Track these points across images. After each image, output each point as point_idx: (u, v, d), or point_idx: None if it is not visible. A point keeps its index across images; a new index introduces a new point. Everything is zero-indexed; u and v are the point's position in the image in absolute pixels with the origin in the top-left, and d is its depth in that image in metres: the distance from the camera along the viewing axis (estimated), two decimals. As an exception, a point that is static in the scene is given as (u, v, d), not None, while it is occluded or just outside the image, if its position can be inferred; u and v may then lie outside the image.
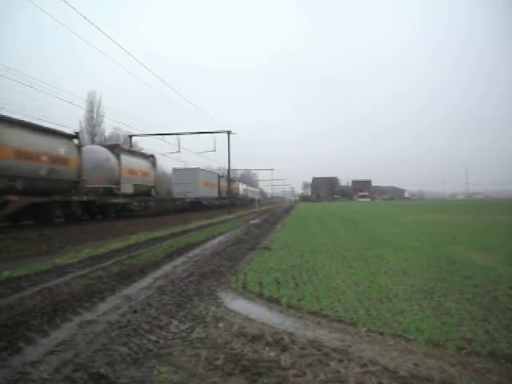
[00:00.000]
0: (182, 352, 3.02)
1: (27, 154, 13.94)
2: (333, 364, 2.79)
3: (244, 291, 4.92)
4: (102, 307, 4.25)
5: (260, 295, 4.68)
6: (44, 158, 14.80)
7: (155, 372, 2.69)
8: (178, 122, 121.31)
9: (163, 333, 3.44)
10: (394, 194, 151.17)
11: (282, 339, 3.26)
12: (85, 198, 17.65)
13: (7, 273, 6.08)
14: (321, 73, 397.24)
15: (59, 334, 3.43)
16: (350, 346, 3.11)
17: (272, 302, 4.41)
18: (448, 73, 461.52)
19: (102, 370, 2.69)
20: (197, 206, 34.74)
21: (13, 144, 13.39)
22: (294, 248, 8.57)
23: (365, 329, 3.47)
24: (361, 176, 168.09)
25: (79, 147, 17.67)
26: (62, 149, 16.06)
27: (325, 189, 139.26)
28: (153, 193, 26.40)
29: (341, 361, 2.84)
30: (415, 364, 2.77)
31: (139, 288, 5.13)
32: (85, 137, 49.79)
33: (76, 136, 17.71)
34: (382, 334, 3.35)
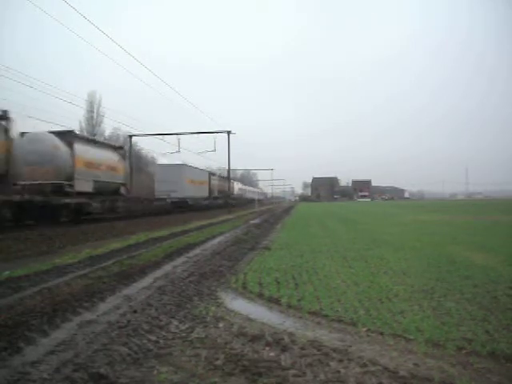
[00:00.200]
0: (182, 352, 3.02)
1: None
2: (333, 364, 2.79)
3: (244, 291, 4.92)
4: (102, 307, 4.25)
5: (260, 295, 4.68)
6: None
7: (155, 372, 2.69)
8: (178, 122, 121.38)
9: (163, 333, 3.44)
10: (394, 193, 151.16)
11: (282, 339, 3.26)
12: (17, 198, 13.82)
13: (7, 273, 6.08)
14: (321, 73, 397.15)
15: (59, 334, 3.43)
16: (350, 346, 3.11)
17: (272, 302, 4.41)
18: (448, 73, 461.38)
19: (101, 370, 2.69)
20: (182, 208, 31.27)
21: None
22: (294, 248, 8.57)
23: (365, 329, 3.47)
24: (361, 176, 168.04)
25: (6, 130, 13.61)
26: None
27: (325, 189, 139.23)
28: (123, 191, 22.05)
29: (341, 361, 2.84)
30: (415, 364, 2.77)
31: (139, 288, 5.13)
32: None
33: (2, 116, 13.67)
34: (382, 334, 3.35)
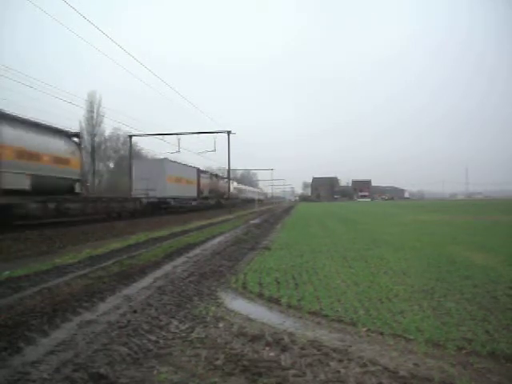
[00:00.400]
0: (182, 352, 3.02)
1: None
2: (333, 364, 2.79)
3: (244, 291, 4.92)
4: (102, 307, 4.25)
5: (260, 295, 4.68)
6: None
7: (155, 372, 2.69)
8: (178, 122, 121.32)
9: (163, 333, 3.44)
10: (394, 193, 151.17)
11: (282, 339, 3.26)
12: None
13: (7, 273, 6.08)
14: (321, 73, 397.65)
15: (59, 334, 3.43)
16: (350, 346, 3.11)
17: (272, 302, 4.41)
18: (448, 73, 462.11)
19: (101, 370, 2.69)
20: (162, 209, 27.31)
21: None
22: (294, 248, 8.58)
23: (365, 329, 3.47)
24: (361, 176, 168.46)
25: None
26: None
27: (325, 189, 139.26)
28: (78, 190, 17.78)
29: (341, 361, 2.84)
30: (415, 364, 2.77)
31: (139, 288, 5.13)
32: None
33: None
34: (382, 334, 3.35)
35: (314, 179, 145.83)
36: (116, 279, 5.63)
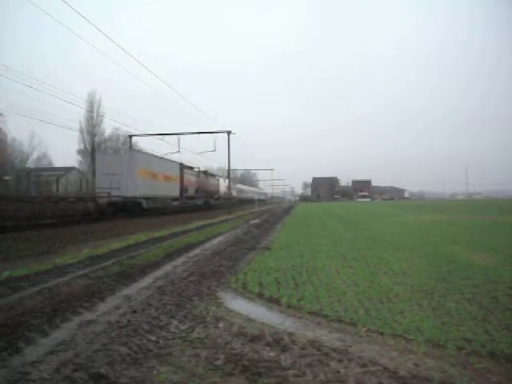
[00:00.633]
0: (182, 352, 3.02)
1: None
2: (333, 364, 2.79)
3: (244, 291, 4.92)
4: (102, 307, 4.25)
5: (260, 295, 4.68)
6: None
7: (155, 372, 2.69)
8: (178, 122, 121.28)
9: (163, 333, 3.44)
10: (394, 194, 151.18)
11: (282, 339, 3.26)
12: None
13: (7, 273, 6.08)
14: (321, 73, 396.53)
15: (59, 334, 3.43)
16: (350, 346, 3.11)
17: (272, 302, 4.42)
18: (448, 73, 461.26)
19: (102, 370, 2.69)
20: (129, 212, 22.70)
21: None
22: (294, 248, 8.58)
23: (365, 329, 3.47)
24: (361, 176, 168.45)
25: None
26: None
27: (325, 189, 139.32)
28: None
29: (341, 361, 2.84)
30: (415, 364, 2.77)
31: (139, 288, 5.13)
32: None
33: None
34: (382, 334, 3.35)
35: (314, 179, 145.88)
36: (116, 279, 5.63)
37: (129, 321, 3.75)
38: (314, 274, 5.70)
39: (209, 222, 19.03)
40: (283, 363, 2.81)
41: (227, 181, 47.68)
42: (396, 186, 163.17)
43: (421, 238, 10.33)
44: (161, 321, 3.76)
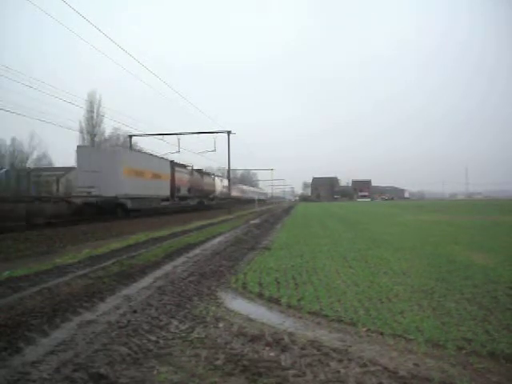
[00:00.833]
0: (182, 352, 3.02)
1: None
2: (333, 364, 2.79)
3: (244, 291, 4.92)
4: (102, 307, 4.25)
5: (260, 295, 4.68)
6: None
7: (155, 372, 2.69)
8: (178, 122, 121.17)
9: (163, 333, 3.44)
10: (394, 194, 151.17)
11: (282, 339, 3.26)
12: None
13: (7, 273, 6.08)
14: (321, 73, 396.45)
15: (59, 334, 3.43)
16: (350, 346, 3.11)
17: (272, 302, 4.42)
18: (448, 73, 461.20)
19: (102, 370, 2.69)
20: (112, 213, 20.77)
21: None
22: (294, 248, 8.58)
23: (365, 329, 3.47)
24: (361, 176, 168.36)
25: None
26: None
27: (325, 189, 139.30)
28: None
29: (341, 361, 2.84)
30: (415, 364, 2.77)
31: (139, 288, 5.13)
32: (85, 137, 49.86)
33: None
34: (382, 334, 3.35)
35: (314, 179, 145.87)
36: (116, 279, 5.63)
37: (129, 321, 3.75)
38: (314, 274, 5.70)
39: (209, 222, 19.04)
40: (283, 363, 2.81)
41: (224, 180, 46.28)
42: (396, 186, 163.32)
43: (421, 238, 10.33)
44: (161, 321, 3.76)
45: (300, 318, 3.86)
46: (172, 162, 29.54)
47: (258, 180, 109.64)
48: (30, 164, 52.80)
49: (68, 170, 53.01)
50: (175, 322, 3.72)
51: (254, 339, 3.27)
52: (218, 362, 2.83)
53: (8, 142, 53.01)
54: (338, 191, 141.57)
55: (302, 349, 3.06)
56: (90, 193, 20.15)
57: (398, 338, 3.25)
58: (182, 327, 3.59)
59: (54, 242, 10.44)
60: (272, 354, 2.98)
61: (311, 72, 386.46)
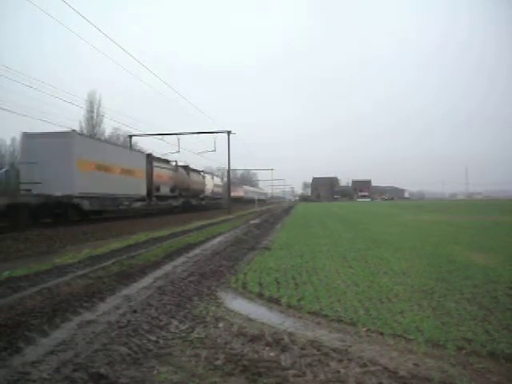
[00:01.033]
0: (182, 352, 3.02)
1: None
2: (333, 364, 2.79)
3: (244, 291, 4.92)
4: (102, 307, 4.25)
5: (260, 295, 4.68)
6: None
7: (155, 372, 2.69)
8: (178, 122, 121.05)
9: (163, 333, 3.44)
10: (394, 194, 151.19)
11: (282, 339, 3.26)
12: None
13: (7, 273, 6.08)
14: (321, 73, 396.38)
15: (59, 334, 3.43)
16: (350, 346, 3.11)
17: (272, 301, 4.41)
18: (448, 73, 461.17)
19: (101, 370, 2.69)
20: (61, 216, 16.76)
21: None
22: (294, 248, 8.58)
23: (365, 329, 3.47)
24: (361, 176, 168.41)
25: None
26: None
27: (325, 189, 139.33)
28: None
29: (341, 361, 2.84)
30: (415, 364, 2.77)
31: (139, 288, 5.13)
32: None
33: None
34: (382, 334, 3.35)
35: (314, 179, 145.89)
36: (116, 279, 5.63)
37: (129, 321, 3.75)
38: (314, 274, 5.70)
39: (209, 222, 19.04)
40: (283, 363, 2.81)
41: (216, 178, 42.16)
42: (396, 186, 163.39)
43: (421, 238, 10.33)
44: (161, 321, 3.76)
45: (300, 317, 3.86)
46: (150, 155, 25.91)
47: (258, 180, 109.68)
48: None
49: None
50: (175, 322, 3.72)
51: (253, 339, 3.27)
52: (218, 362, 2.82)
53: (8, 142, 53.02)
54: (337, 191, 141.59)
55: (302, 349, 3.06)
56: (29, 190, 15.81)
57: (398, 337, 3.25)
58: (182, 327, 3.59)
59: (53, 242, 10.44)
60: (272, 353, 2.98)
61: (311, 72, 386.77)
